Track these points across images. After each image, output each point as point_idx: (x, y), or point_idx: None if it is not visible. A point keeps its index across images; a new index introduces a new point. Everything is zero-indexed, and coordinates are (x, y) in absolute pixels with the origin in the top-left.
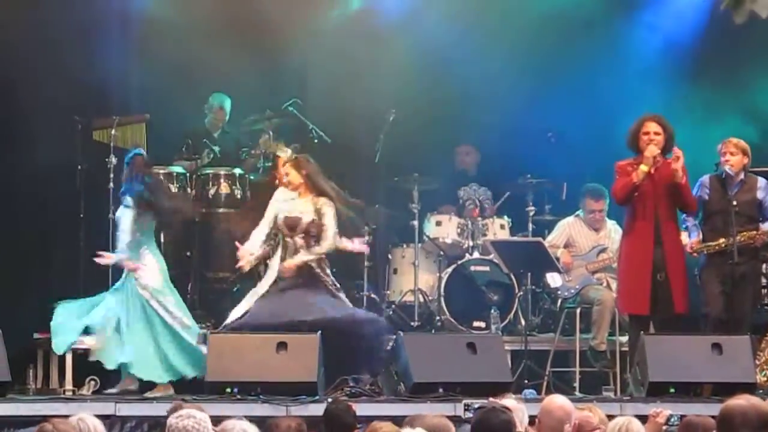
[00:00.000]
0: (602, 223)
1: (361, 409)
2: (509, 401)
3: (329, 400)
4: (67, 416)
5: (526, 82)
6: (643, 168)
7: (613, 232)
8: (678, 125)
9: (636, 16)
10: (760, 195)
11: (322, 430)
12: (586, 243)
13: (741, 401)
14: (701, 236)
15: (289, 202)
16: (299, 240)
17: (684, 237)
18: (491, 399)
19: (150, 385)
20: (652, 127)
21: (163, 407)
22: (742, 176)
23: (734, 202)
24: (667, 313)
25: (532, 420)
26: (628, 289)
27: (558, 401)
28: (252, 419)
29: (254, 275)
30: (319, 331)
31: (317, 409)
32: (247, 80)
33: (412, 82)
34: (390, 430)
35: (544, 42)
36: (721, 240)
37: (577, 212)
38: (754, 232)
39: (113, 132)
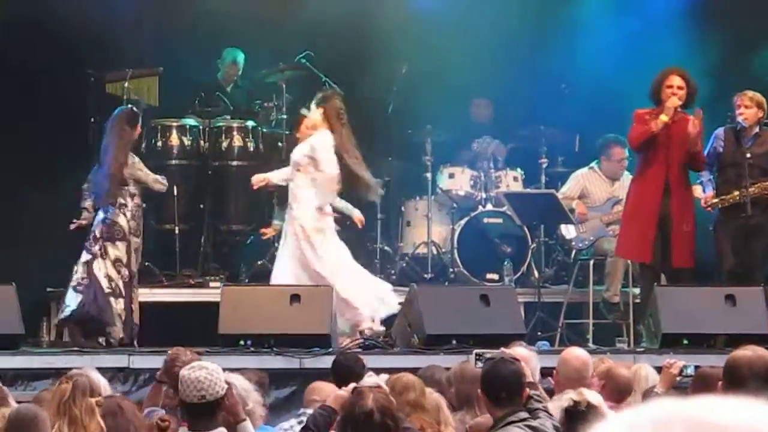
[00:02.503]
0: (623, 173)
1: (374, 361)
2: (520, 350)
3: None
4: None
5: (538, 34)
6: (663, 118)
7: (627, 185)
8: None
9: None
10: None
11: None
12: (600, 195)
13: (748, 352)
14: (715, 190)
15: None
16: None
17: (698, 191)
18: (504, 350)
19: None
20: (677, 81)
21: None
22: (756, 129)
23: (748, 155)
24: (668, 266)
25: (545, 371)
26: (629, 235)
27: (576, 352)
28: (266, 371)
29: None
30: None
31: (330, 362)
32: (260, 33)
33: (425, 35)
34: (411, 379)
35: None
36: (735, 192)
37: (592, 164)
38: (765, 184)
39: (126, 85)
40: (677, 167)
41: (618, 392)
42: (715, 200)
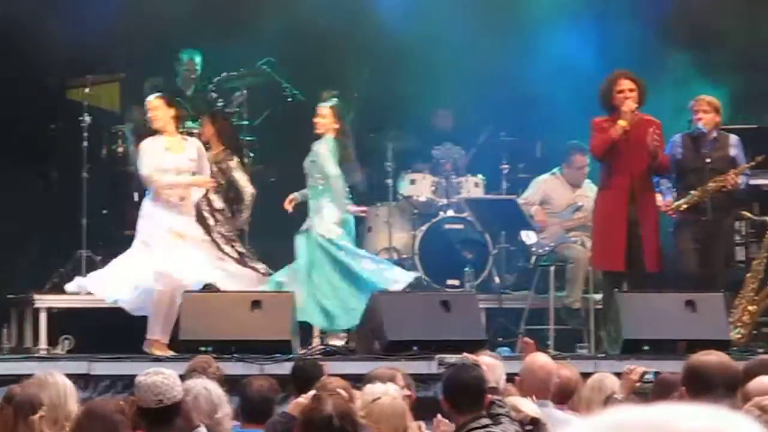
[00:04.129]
0: (584, 179)
1: (335, 367)
2: (486, 358)
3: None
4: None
5: (500, 40)
6: (622, 123)
7: (589, 191)
8: (650, 84)
9: None
10: (733, 152)
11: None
12: (561, 201)
13: (712, 357)
14: (676, 196)
15: None
16: None
17: (658, 198)
18: (466, 355)
19: None
20: (626, 84)
21: (139, 366)
22: (714, 134)
23: (708, 160)
24: (639, 272)
25: (508, 377)
26: (602, 245)
27: (540, 361)
28: (226, 378)
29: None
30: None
31: (291, 368)
32: (221, 39)
33: (387, 40)
34: (337, 385)
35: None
36: (695, 192)
37: (554, 170)
38: (724, 176)
39: (87, 91)
40: (641, 173)
41: (561, 393)
42: (677, 203)
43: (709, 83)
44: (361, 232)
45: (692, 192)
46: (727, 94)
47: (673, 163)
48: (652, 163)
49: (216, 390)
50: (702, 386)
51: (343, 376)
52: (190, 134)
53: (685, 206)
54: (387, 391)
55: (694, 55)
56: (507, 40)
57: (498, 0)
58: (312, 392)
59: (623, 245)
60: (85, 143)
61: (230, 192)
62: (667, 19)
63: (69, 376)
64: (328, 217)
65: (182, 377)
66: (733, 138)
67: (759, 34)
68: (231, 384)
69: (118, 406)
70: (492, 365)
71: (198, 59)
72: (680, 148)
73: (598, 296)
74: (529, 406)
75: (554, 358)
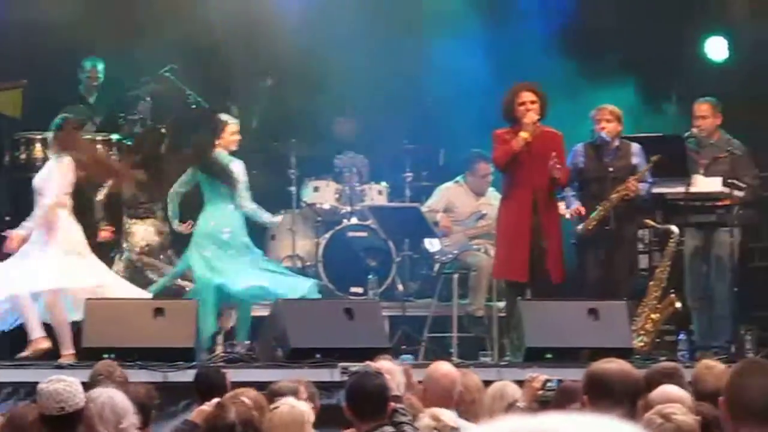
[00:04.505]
0: (488, 187)
1: (238, 374)
2: (386, 363)
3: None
4: None
5: (405, 48)
6: (524, 135)
7: (493, 199)
8: (552, 95)
9: None
10: (635, 160)
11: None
12: (465, 209)
13: (614, 365)
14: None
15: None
16: None
17: (561, 207)
18: (369, 363)
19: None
20: (528, 96)
21: (42, 374)
22: (616, 143)
23: (610, 169)
24: (543, 282)
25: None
26: (506, 256)
27: (443, 369)
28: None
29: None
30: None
31: (194, 375)
32: (125, 46)
33: (291, 49)
34: (249, 395)
35: (424, 12)
36: (599, 208)
37: (457, 178)
38: (625, 184)
39: None
40: (543, 184)
41: (440, 396)
42: (588, 220)
43: (601, 91)
44: (264, 239)
45: (597, 207)
46: (615, 102)
47: (575, 172)
48: (554, 181)
49: (121, 399)
50: (603, 394)
51: (247, 384)
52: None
53: (594, 223)
54: (287, 399)
55: (584, 63)
56: (407, 49)
57: (397, 10)
58: (215, 400)
59: (526, 256)
60: None
61: None
62: (560, 30)
63: None
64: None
65: (86, 384)
66: (635, 146)
67: (645, 42)
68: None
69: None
70: (392, 371)
71: (101, 67)
72: (582, 157)
73: (502, 304)
74: (448, 416)
75: (457, 366)
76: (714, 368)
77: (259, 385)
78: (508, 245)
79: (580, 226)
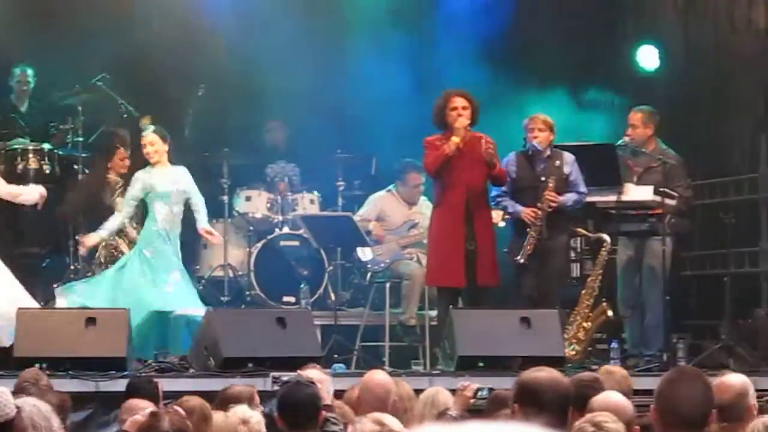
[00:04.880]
0: (420, 197)
1: (171, 384)
2: (314, 372)
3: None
4: None
5: (338, 56)
6: (455, 139)
7: (424, 208)
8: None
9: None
10: (567, 170)
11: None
12: (397, 218)
13: (544, 373)
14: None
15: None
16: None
17: (495, 215)
18: (299, 372)
19: None
20: (460, 102)
21: None
22: (548, 152)
23: (543, 178)
24: (475, 287)
25: (340, 393)
26: (440, 261)
27: (377, 378)
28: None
29: (63, 249)
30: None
31: (125, 385)
32: (55, 54)
33: (222, 58)
34: (194, 403)
35: (354, 22)
36: (531, 234)
37: (389, 187)
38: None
39: None
40: (475, 188)
41: (374, 405)
42: (528, 254)
43: (533, 101)
44: (197, 249)
45: (528, 232)
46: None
47: (508, 182)
48: (489, 173)
49: (46, 408)
50: (533, 402)
51: (178, 393)
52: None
53: (529, 253)
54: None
55: (516, 72)
56: (338, 58)
57: (329, 19)
58: (149, 409)
59: (462, 261)
60: None
61: None
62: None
63: None
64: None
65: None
66: (568, 156)
67: (578, 51)
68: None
69: None
70: (320, 380)
71: (30, 72)
72: (514, 166)
73: (434, 313)
74: (391, 421)
75: (390, 374)
76: (615, 373)
77: (191, 395)
78: (442, 251)
79: (520, 258)
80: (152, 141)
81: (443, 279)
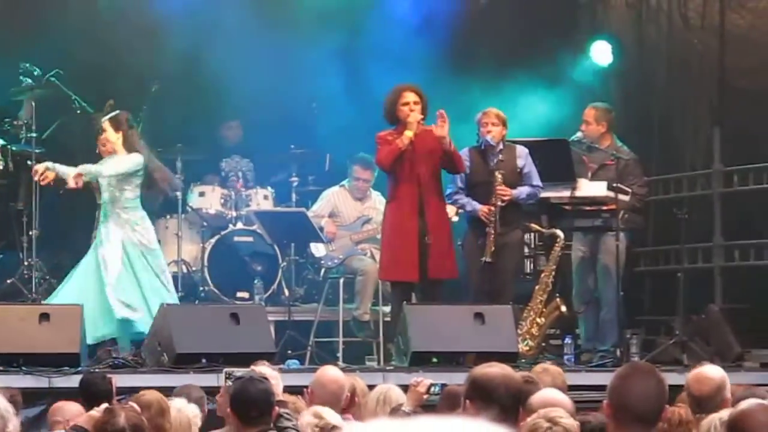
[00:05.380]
0: (367, 192)
1: (124, 380)
2: (264, 369)
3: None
4: None
5: (290, 53)
6: (408, 134)
7: (378, 203)
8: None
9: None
10: (520, 163)
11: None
12: (350, 213)
13: (497, 369)
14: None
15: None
16: None
17: (451, 211)
18: (252, 368)
19: None
20: (411, 96)
21: None
22: (501, 146)
23: (496, 173)
24: (428, 282)
25: (295, 389)
26: (393, 256)
27: (330, 374)
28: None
29: (17, 245)
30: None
31: (79, 381)
32: (7, 49)
33: (176, 54)
34: (152, 397)
35: (308, 16)
36: (489, 232)
37: (343, 182)
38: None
39: None
40: (429, 182)
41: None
42: (490, 251)
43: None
44: None
45: (486, 230)
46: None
47: (462, 177)
48: (446, 157)
49: (3, 403)
50: (485, 398)
51: (131, 389)
52: None
53: (492, 251)
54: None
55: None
56: (292, 53)
57: (282, 13)
58: (104, 405)
59: (416, 255)
60: None
61: None
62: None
63: None
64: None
65: None
66: (520, 149)
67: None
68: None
69: None
70: (270, 376)
71: None
72: (468, 161)
73: (387, 308)
74: (330, 414)
75: (343, 370)
76: (550, 371)
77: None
78: (395, 245)
79: (486, 258)
80: (104, 127)
81: (396, 274)
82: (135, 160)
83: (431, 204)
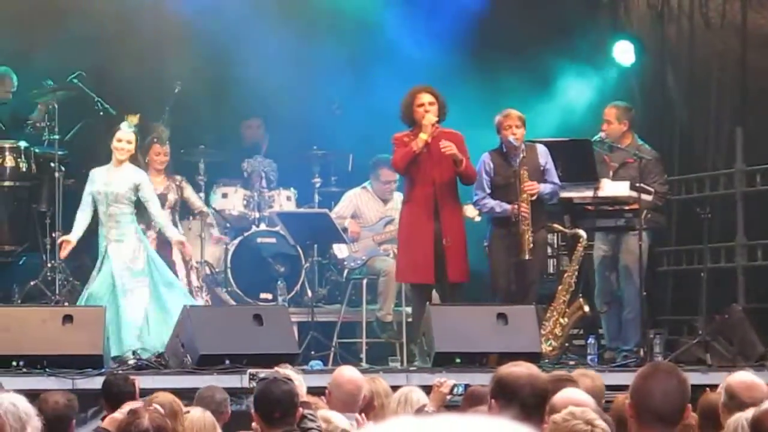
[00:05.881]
0: (393, 194)
1: (147, 381)
2: (286, 371)
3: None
4: None
5: (313, 55)
6: (423, 136)
7: (399, 204)
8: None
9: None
10: (542, 161)
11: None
12: (373, 214)
13: (522, 369)
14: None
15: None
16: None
17: (468, 210)
18: (276, 369)
19: None
20: (426, 98)
21: None
22: (523, 146)
23: (521, 172)
24: (446, 284)
25: (318, 390)
26: (410, 258)
27: (347, 374)
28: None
29: (39, 247)
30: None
31: (102, 382)
32: (30, 52)
33: (199, 55)
34: (165, 399)
35: (326, 20)
36: (525, 229)
37: (365, 184)
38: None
39: None
40: (444, 184)
41: (344, 401)
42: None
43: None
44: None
45: (524, 230)
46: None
47: (488, 181)
48: (457, 170)
49: (24, 405)
50: (510, 397)
51: (155, 391)
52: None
53: (530, 248)
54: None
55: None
56: (314, 53)
57: (305, 14)
58: (128, 407)
59: (431, 257)
60: None
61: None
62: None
63: None
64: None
65: None
66: (540, 147)
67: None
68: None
69: None
70: (294, 378)
71: (13, 76)
72: (491, 165)
73: (410, 309)
74: (339, 419)
75: (366, 371)
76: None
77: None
78: (411, 247)
79: (526, 256)
80: (130, 139)
81: (413, 276)
82: None
83: (446, 206)
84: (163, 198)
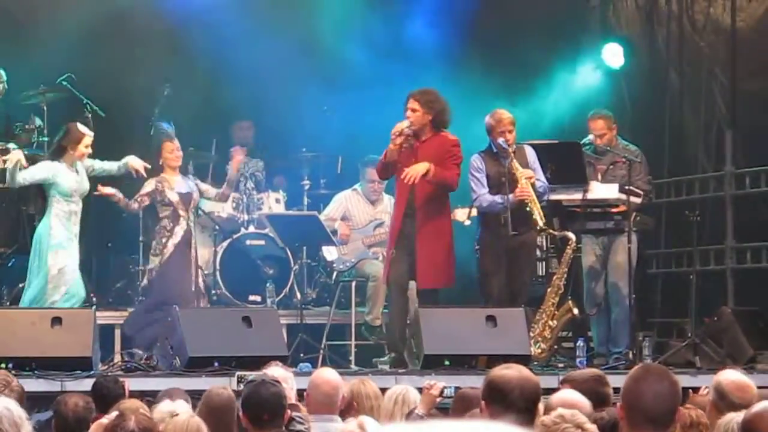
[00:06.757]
0: (380, 195)
1: (136, 383)
2: (277, 370)
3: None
4: None
5: (301, 58)
6: (390, 145)
7: (389, 207)
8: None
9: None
10: (531, 161)
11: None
12: (363, 217)
13: (513, 372)
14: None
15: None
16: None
17: (458, 213)
18: (264, 371)
19: None
20: (410, 103)
21: None
22: (513, 148)
23: (513, 162)
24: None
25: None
26: (389, 259)
27: (324, 376)
28: (28, 395)
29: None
30: (94, 307)
31: (92, 384)
32: (19, 54)
33: (188, 57)
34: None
35: (320, 21)
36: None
37: (356, 185)
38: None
39: None
40: (421, 187)
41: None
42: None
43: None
44: None
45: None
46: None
47: (478, 181)
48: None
49: (17, 410)
50: (502, 400)
51: (143, 393)
52: None
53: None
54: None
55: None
56: (305, 54)
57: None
58: (114, 412)
59: (405, 258)
60: None
61: None
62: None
63: None
64: None
65: None
66: (528, 149)
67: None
68: (33, 401)
69: None
70: (283, 378)
71: (3, 74)
72: (482, 166)
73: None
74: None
75: (355, 373)
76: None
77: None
78: (389, 249)
79: (540, 221)
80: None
81: (389, 276)
82: None
83: (421, 208)
84: (188, 198)
